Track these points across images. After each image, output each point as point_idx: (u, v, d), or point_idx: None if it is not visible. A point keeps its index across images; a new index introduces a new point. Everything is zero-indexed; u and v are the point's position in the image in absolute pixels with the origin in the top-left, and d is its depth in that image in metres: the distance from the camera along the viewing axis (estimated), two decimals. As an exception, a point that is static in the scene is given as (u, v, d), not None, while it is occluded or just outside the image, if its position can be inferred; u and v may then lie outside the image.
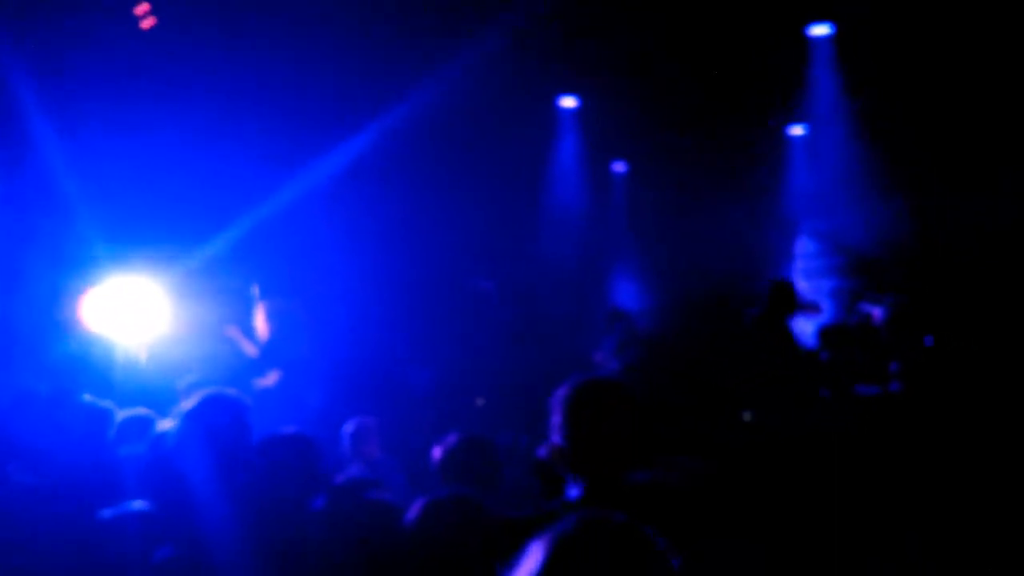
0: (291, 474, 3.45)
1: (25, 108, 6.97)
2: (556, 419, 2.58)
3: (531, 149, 10.26)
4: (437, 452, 3.69)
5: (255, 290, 7.60)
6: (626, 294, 10.43)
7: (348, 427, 5.87)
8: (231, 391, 3.36)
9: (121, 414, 4.30)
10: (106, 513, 3.13)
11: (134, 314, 7.04)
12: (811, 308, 8.91)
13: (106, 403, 4.23)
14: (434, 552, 2.74)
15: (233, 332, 7.29)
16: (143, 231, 7.26)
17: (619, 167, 11.49)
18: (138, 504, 3.07)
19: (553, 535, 1.47)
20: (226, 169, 7.94)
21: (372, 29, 8.10)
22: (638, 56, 9.02)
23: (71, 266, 6.98)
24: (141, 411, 4.39)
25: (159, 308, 7.18)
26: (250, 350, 7.26)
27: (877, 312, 6.77)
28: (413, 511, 2.80)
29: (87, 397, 4.47)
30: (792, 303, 7.37)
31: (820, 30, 9.42)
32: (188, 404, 3.25)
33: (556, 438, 2.58)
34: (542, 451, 3.48)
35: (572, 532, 1.47)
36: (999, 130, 8.36)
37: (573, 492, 2.51)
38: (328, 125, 8.62)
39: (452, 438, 3.69)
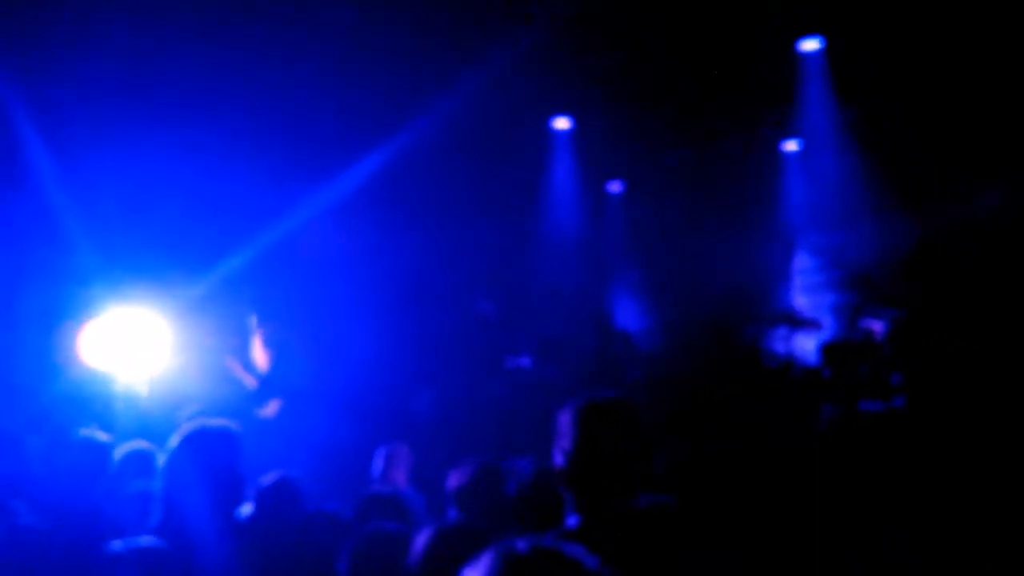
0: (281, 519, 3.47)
1: (21, 136, 6.96)
2: (562, 442, 2.54)
3: (527, 171, 10.26)
4: (452, 481, 3.65)
5: (253, 320, 7.57)
6: (626, 314, 10.42)
7: (381, 452, 5.89)
8: (220, 422, 3.34)
9: (122, 448, 4.27)
10: (115, 547, 3.10)
11: (134, 347, 7.01)
12: (812, 324, 8.91)
13: (104, 436, 4.20)
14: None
15: (232, 364, 7.27)
16: (142, 261, 7.24)
17: (615, 187, 11.51)
18: (146, 539, 3.04)
19: (489, 566, 1.50)
20: (225, 195, 7.94)
21: (370, 56, 8.12)
22: (631, 76, 9.04)
23: (68, 299, 6.95)
24: (141, 444, 4.37)
25: (159, 340, 7.15)
26: (249, 381, 7.24)
27: (878, 327, 6.76)
28: (419, 542, 2.77)
29: (85, 432, 4.43)
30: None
31: (811, 45, 9.45)
32: (176, 438, 3.23)
33: (559, 460, 2.54)
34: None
35: (509, 565, 1.49)
36: (991, 141, 8.38)
37: (571, 521, 2.47)
38: (326, 153, 8.62)
39: (466, 468, 3.65)
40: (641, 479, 2.51)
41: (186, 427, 3.31)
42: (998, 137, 8.31)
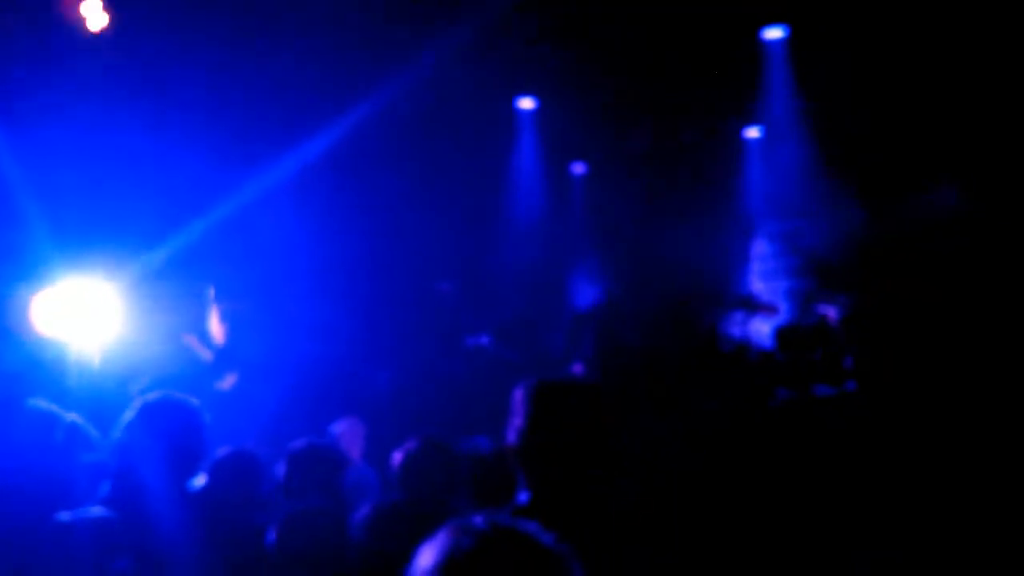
0: (238, 492, 3.45)
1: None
2: (515, 420, 2.56)
3: (490, 150, 10.24)
4: (397, 457, 3.66)
5: (210, 292, 7.50)
6: (586, 296, 10.45)
7: (336, 427, 5.88)
8: (178, 395, 3.31)
9: (71, 418, 4.22)
10: (63, 517, 3.07)
11: (86, 317, 6.91)
12: (768, 309, 9.01)
13: (54, 408, 4.15)
14: (377, 562, 2.72)
15: (188, 338, 7.20)
16: (95, 232, 7.14)
17: (578, 168, 11.52)
18: (96, 510, 3.01)
19: (447, 543, 1.50)
20: (180, 168, 7.84)
21: (332, 30, 8.04)
22: (596, 58, 9.05)
23: (19, 269, 6.83)
24: (74, 417, 4.31)
25: (112, 311, 7.06)
26: (205, 354, 7.17)
27: (832, 312, 6.86)
28: (358, 518, 2.78)
29: (35, 402, 4.37)
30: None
31: (774, 33, 9.52)
32: (132, 410, 3.20)
33: (512, 438, 2.55)
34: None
35: (467, 541, 1.50)
36: (949, 135, 8.50)
37: (522, 497, 2.49)
38: (285, 126, 8.53)
39: (411, 443, 3.66)
40: (595, 459, 2.53)
41: (142, 399, 3.28)
42: (956, 132, 8.43)
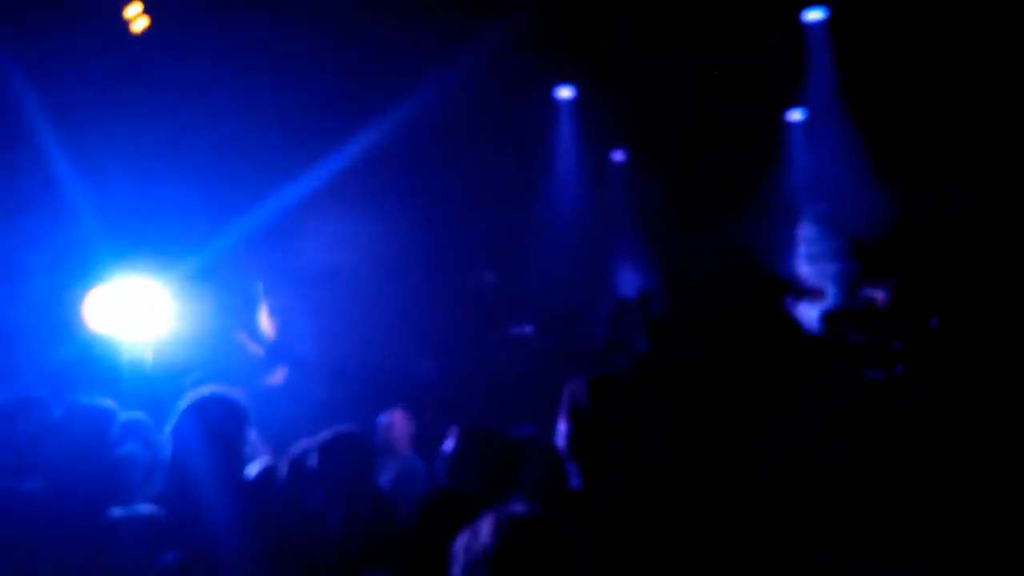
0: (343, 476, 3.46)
1: (24, 107, 6.95)
2: (565, 412, 2.62)
3: (530, 140, 10.23)
4: (446, 446, 3.68)
5: (259, 289, 7.60)
6: (630, 284, 10.42)
7: (383, 418, 5.92)
8: (225, 389, 3.36)
9: (125, 415, 4.30)
10: (115, 513, 3.14)
11: (139, 315, 7.04)
12: (815, 294, 8.91)
13: (108, 402, 4.23)
14: (425, 548, 2.75)
15: (241, 335, 7.31)
16: (147, 231, 7.26)
17: (618, 156, 11.47)
18: (146, 508, 3.07)
19: (484, 529, 1.57)
20: (229, 167, 7.93)
21: (370, 26, 8.09)
22: (634, 44, 9.00)
23: (74, 267, 6.98)
24: (137, 414, 4.39)
25: (164, 308, 7.18)
26: (255, 350, 7.28)
27: (880, 295, 6.76)
28: (405, 508, 2.82)
29: (91, 398, 4.46)
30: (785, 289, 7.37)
31: (815, 15, 9.41)
32: (183, 404, 3.25)
33: (563, 429, 2.61)
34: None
35: (503, 529, 1.57)
36: (991, 119, 8.31)
37: (575, 482, 2.54)
38: (329, 122, 8.60)
39: (458, 433, 3.67)
40: (635, 452, 2.58)
41: (191, 395, 3.34)
42: (998, 117, 8.23)
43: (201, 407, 3.26)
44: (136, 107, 7.48)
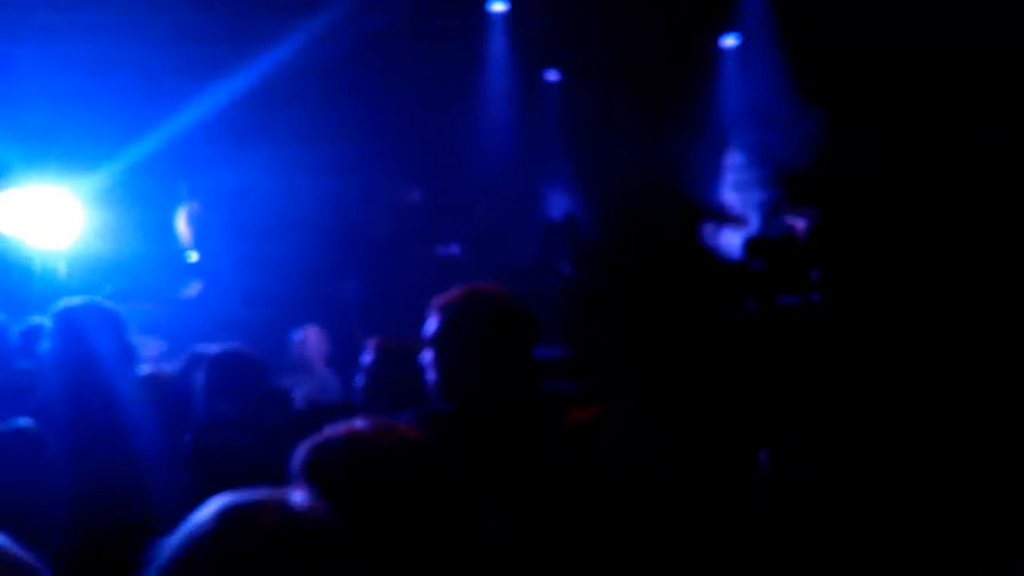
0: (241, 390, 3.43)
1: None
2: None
3: (460, 55, 10.03)
4: (365, 358, 3.66)
5: (184, 190, 7.44)
6: (558, 205, 10.41)
7: (297, 334, 5.92)
8: (94, 299, 3.24)
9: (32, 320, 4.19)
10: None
11: (51, 222, 6.85)
12: (738, 221, 9.03)
13: None
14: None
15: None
16: (59, 138, 7.03)
17: (551, 76, 11.32)
18: (23, 420, 2.94)
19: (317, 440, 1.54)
20: (145, 76, 7.69)
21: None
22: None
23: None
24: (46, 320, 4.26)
25: (77, 215, 6.99)
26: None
27: (800, 224, 6.88)
28: None
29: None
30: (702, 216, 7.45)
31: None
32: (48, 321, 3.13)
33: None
34: None
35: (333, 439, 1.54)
36: (928, 51, 8.33)
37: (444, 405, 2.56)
38: (255, 29, 8.31)
39: (375, 346, 3.66)
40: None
41: (61, 304, 3.18)
42: (938, 54, 8.23)
43: (68, 316, 3.11)
44: (57, 8, 7.18)
